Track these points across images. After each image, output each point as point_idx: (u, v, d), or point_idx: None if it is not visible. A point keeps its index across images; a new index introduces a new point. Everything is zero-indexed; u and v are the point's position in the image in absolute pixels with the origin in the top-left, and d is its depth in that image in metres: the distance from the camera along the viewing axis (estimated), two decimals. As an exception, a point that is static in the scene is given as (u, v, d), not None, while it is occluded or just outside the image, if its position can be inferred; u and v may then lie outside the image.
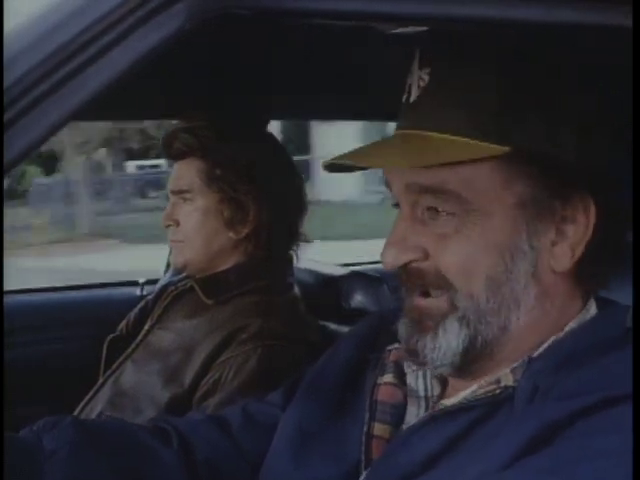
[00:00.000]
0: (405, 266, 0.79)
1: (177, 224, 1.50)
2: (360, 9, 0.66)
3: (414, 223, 0.79)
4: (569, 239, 0.77)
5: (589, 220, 0.76)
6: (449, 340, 0.78)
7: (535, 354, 0.77)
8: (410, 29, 0.81)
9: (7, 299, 1.89)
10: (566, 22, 0.71)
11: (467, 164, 0.74)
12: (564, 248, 0.77)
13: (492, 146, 0.74)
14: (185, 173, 1.49)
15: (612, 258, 0.79)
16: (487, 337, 0.77)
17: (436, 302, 0.78)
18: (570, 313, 0.80)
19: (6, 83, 0.54)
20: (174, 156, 1.52)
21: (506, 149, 0.73)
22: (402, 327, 0.83)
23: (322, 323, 1.59)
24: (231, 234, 1.49)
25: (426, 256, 0.78)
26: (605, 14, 0.72)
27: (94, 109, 0.58)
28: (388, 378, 0.89)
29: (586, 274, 0.79)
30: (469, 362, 0.79)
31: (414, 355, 0.81)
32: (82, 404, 1.49)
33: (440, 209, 0.76)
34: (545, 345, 0.78)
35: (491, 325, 0.77)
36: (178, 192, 1.50)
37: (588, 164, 0.75)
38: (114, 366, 1.51)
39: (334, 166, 0.82)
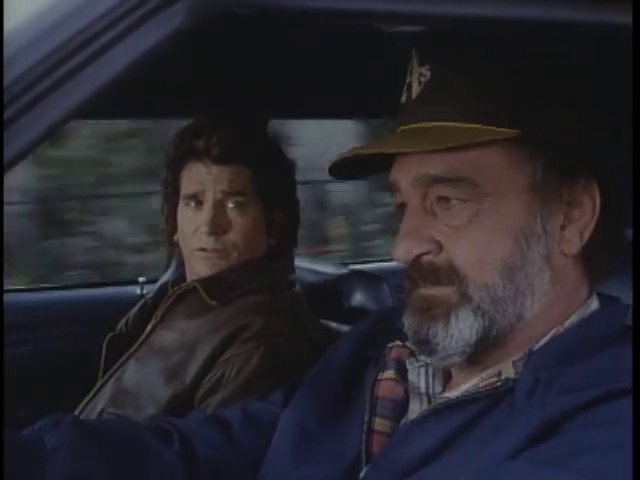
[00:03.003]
0: (417, 259, 0.79)
1: (224, 232, 1.45)
2: (360, 8, 0.66)
3: (425, 215, 0.79)
4: (577, 222, 0.78)
5: (595, 203, 0.78)
6: (462, 330, 0.78)
7: (536, 347, 0.78)
8: (410, 28, 0.81)
9: (7, 298, 1.88)
10: (566, 20, 0.71)
11: (476, 149, 0.76)
12: (573, 231, 0.79)
13: (503, 130, 0.75)
14: (236, 177, 1.45)
15: (615, 243, 0.81)
16: (503, 326, 0.78)
17: (445, 291, 0.78)
18: (578, 301, 0.81)
19: (6, 81, 0.54)
20: (222, 160, 1.45)
21: (516, 132, 0.75)
22: (410, 319, 0.82)
23: (323, 322, 1.60)
24: (270, 241, 1.51)
25: (439, 249, 0.79)
26: (604, 12, 0.72)
27: (94, 108, 0.58)
28: (389, 374, 0.90)
29: (594, 258, 0.80)
30: (481, 352, 0.79)
31: (424, 344, 0.80)
32: (84, 402, 1.49)
33: (452, 197, 0.77)
34: (546, 338, 0.79)
35: (507, 313, 0.77)
36: (232, 194, 1.44)
37: (591, 148, 0.78)
38: (116, 365, 1.51)
39: (336, 171, 0.83)
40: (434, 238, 0.79)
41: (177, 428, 1.00)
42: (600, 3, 0.72)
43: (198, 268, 1.48)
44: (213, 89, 1.63)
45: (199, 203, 1.46)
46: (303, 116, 2.05)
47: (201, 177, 1.46)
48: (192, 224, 1.47)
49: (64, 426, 0.90)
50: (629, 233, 0.81)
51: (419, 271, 0.79)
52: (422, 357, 0.86)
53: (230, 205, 1.45)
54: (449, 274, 0.78)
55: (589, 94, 0.80)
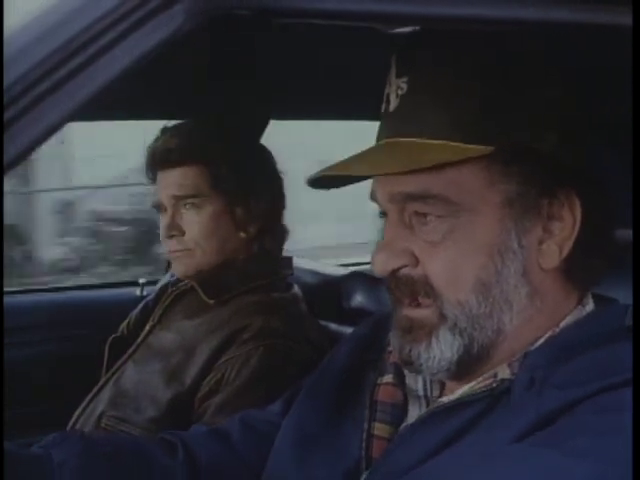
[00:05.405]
0: (395, 272, 0.79)
1: (182, 233, 1.48)
2: (360, 9, 0.66)
3: (403, 229, 0.79)
4: (556, 237, 0.78)
5: (575, 217, 0.77)
6: (443, 351, 0.78)
7: (531, 348, 0.78)
8: (410, 28, 0.81)
9: (7, 299, 1.89)
10: (561, 21, 0.71)
11: (451, 166, 0.75)
12: (552, 246, 0.78)
13: (475, 147, 0.75)
14: (185, 179, 1.47)
15: (600, 254, 0.80)
16: (482, 342, 0.78)
17: (426, 312, 0.79)
18: (564, 310, 0.80)
19: (6, 82, 0.54)
20: (170, 164, 1.48)
21: (489, 149, 0.74)
22: (394, 338, 0.83)
23: (323, 323, 1.60)
24: (242, 234, 1.51)
25: (416, 262, 0.79)
26: (602, 13, 0.72)
27: (94, 109, 0.58)
28: (388, 378, 0.90)
29: (576, 271, 0.79)
30: (465, 366, 0.79)
31: (408, 365, 0.82)
32: (83, 404, 1.49)
33: (428, 213, 0.77)
34: (541, 340, 0.79)
35: (485, 329, 0.77)
36: (183, 197, 1.47)
37: (572, 161, 0.77)
38: (115, 366, 1.52)
39: (317, 183, 0.82)
40: (411, 251, 0.79)
41: (181, 440, 1.01)
42: (599, 3, 0.72)
43: (174, 269, 1.55)
44: (213, 90, 1.63)
45: (164, 210, 1.51)
46: (303, 116, 2.05)
47: (158, 185, 1.52)
48: (161, 229, 1.52)
49: (71, 440, 0.91)
50: (629, 233, 0.81)
51: (396, 283, 0.80)
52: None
53: (185, 208, 1.48)
54: (425, 288, 0.78)
55: (573, 105, 0.78)
